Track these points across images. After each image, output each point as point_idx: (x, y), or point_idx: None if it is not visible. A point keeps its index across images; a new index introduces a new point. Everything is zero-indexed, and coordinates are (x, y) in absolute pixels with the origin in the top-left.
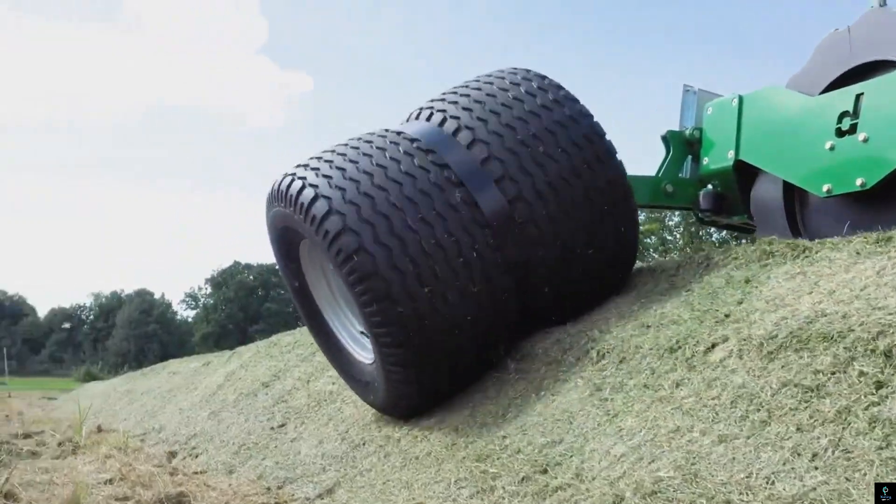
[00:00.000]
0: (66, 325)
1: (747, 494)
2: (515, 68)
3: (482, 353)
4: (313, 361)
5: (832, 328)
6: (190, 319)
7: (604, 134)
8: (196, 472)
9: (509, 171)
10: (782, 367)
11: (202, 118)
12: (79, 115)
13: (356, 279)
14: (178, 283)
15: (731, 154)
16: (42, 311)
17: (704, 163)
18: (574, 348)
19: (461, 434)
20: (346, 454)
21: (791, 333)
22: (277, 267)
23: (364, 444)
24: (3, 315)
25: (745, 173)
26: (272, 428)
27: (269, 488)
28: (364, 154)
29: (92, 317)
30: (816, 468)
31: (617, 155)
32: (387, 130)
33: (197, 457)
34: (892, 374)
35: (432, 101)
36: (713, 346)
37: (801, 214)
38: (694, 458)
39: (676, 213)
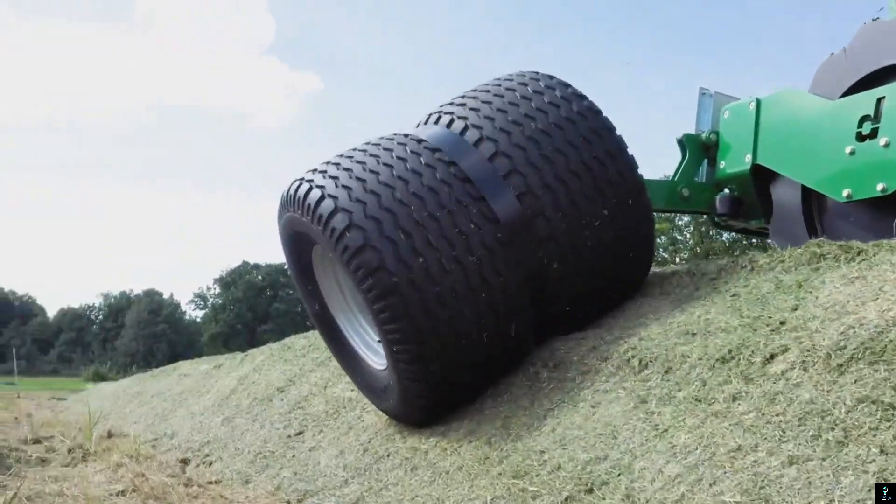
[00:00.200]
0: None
1: None
2: (525, 71)
3: (497, 353)
4: (330, 366)
5: None
6: (198, 319)
7: (614, 129)
8: (210, 482)
9: (518, 167)
10: (855, 381)
11: (211, 118)
12: (89, 116)
13: (363, 274)
14: (187, 283)
15: (749, 158)
16: (51, 312)
17: (721, 167)
18: (613, 357)
19: (494, 447)
20: (369, 466)
21: (862, 344)
22: (290, 273)
23: (388, 455)
24: (12, 315)
25: (762, 177)
26: (289, 436)
27: (288, 502)
28: (377, 160)
29: (101, 317)
30: None
31: (628, 149)
32: (396, 134)
33: (211, 465)
34: None
35: (442, 106)
36: (772, 356)
37: (819, 219)
38: (762, 481)
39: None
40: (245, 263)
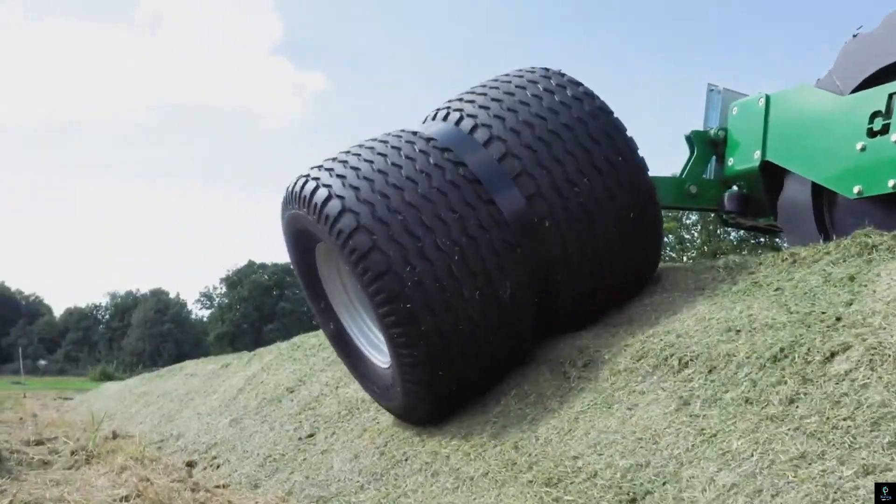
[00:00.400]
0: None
1: None
2: (533, 67)
3: (502, 353)
4: (341, 365)
5: None
6: (205, 319)
7: (624, 129)
8: (218, 487)
9: (527, 168)
10: None
11: (218, 118)
12: (96, 115)
13: (370, 278)
14: (193, 282)
15: (758, 155)
16: (58, 311)
17: (729, 163)
18: (649, 355)
19: (522, 452)
20: (386, 471)
21: None
22: (294, 270)
23: (407, 459)
24: (19, 314)
25: (771, 174)
26: (300, 438)
27: None
28: (380, 154)
29: (107, 316)
30: None
31: (638, 151)
32: (403, 131)
33: (218, 468)
34: None
35: (449, 101)
36: (832, 355)
37: (829, 216)
38: (834, 492)
39: (694, 212)
40: (251, 263)
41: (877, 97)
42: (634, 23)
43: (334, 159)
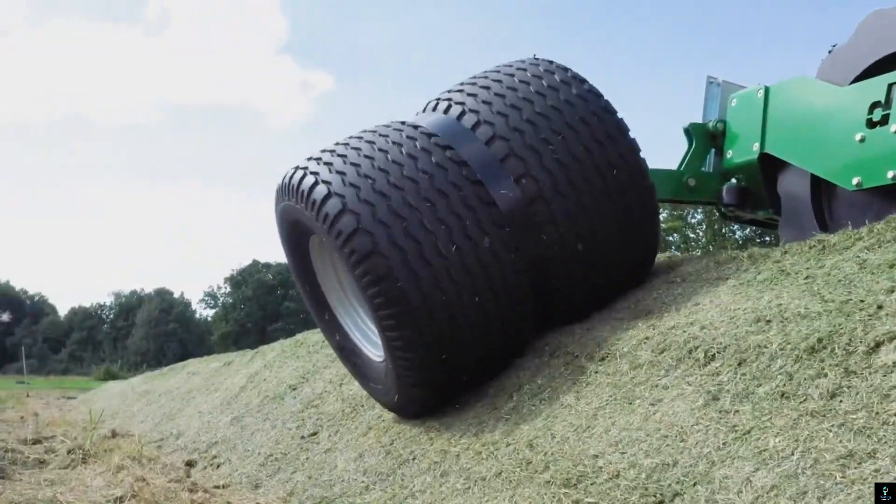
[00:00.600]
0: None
1: None
2: (525, 57)
3: (496, 340)
4: None
5: None
6: (209, 318)
7: (615, 112)
8: (217, 487)
9: (516, 151)
10: None
11: (225, 117)
12: (103, 115)
13: (356, 259)
14: (198, 282)
15: (756, 147)
16: (62, 311)
17: (728, 156)
18: (671, 348)
19: (537, 450)
20: (392, 471)
21: None
22: (287, 263)
23: (414, 459)
24: (24, 314)
25: (770, 167)
26: (302, 437)
27: None
28: (372, 145)
29: (112, 316)
30: None
31: (630, 132)
32: (392, 121)
33: (218, 467)
34: None
35: (442, 93)
36: (877, 345)
37: (829, 208)
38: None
39: (699, 210)
40: (255, 262)
41: (876, 88)
42: (633, 18)
43: (324, 150)
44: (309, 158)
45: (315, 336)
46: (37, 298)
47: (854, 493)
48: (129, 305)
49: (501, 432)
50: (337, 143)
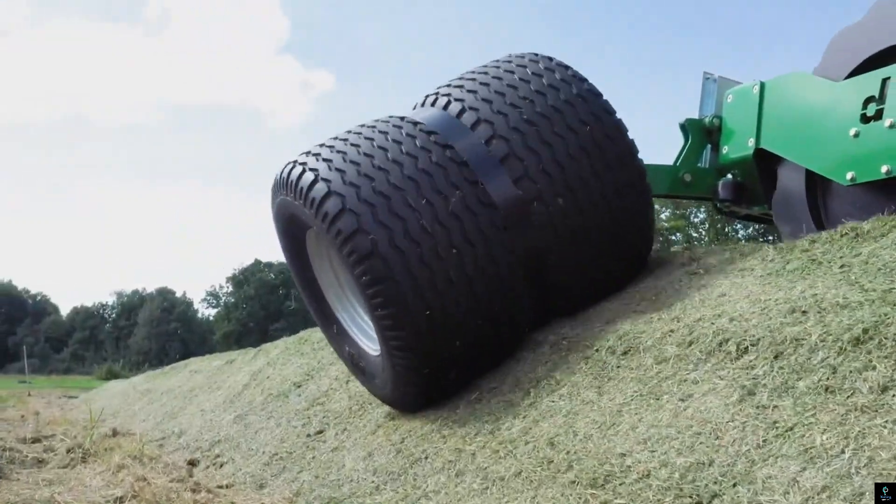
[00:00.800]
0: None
1: None
2: (524, 53)
3: (493, 339)
4: None
5: None
6: (211, 318)
7: (613, 112)
8: (221, 486)
9: (515, 151)
10: None
11: (226, 117)
12: (104, 115)
13: (356, 259)
14: (200, 281)
15: (752, 142)
16: (65, 310)
17: (724, 151)
18: (699, 340)
19: (559, 449)
20: (403, 470)
21: None
22: (284, 257)
23: (426, 457)
24: (26, 313)
25: (765, 162)
26: (308, 435)
27: None
28: (372, 142)
29: (114, 315)
30: None
31: (628, 133)
32: (391, 116)
33: (221, 466)
34: None
35: (440, 87)
36: None
37: (823, 204)
38: None
39: (702, 209)
40: (257, 262)
41: (870, 82)
42: (633, 18)
43: (322, 145)
44: (306, 153)
45: (319, 334)
46: (39, 298)
47: None
48: (131, 305)
49: (519, 430)
50: (335, 139)
